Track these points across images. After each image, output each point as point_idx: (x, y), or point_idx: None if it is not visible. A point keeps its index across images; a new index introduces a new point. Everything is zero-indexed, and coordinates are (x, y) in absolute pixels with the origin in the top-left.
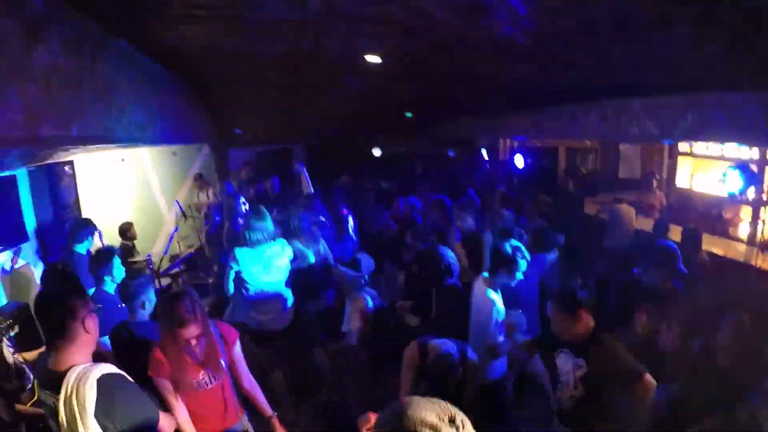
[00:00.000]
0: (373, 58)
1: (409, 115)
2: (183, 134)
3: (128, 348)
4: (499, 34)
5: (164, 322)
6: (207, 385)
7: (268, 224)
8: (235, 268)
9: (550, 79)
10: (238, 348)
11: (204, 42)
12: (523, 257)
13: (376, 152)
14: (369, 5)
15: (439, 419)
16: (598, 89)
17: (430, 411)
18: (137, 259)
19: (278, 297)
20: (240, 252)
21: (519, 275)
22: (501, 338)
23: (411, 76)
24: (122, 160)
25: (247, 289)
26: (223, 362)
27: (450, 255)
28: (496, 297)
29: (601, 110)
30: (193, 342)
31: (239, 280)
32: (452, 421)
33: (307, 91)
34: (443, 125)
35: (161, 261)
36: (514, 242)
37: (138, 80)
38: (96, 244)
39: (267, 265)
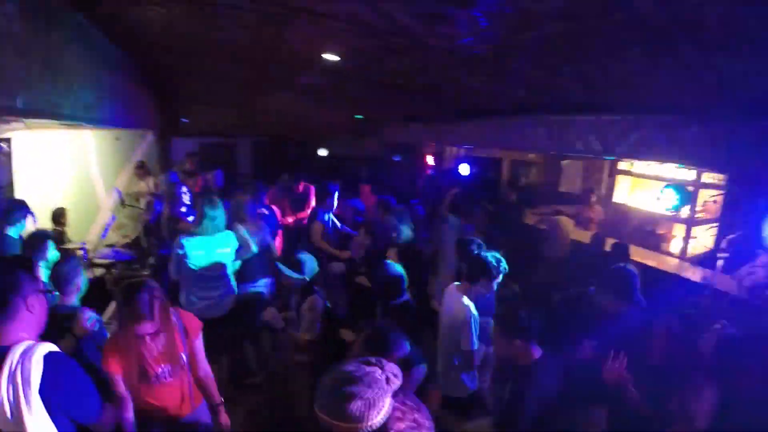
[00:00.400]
0: (331, 57)
1: (359, 117)
2: (129, 118)
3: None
4: (457, 43)
5: (120, 315)
6: (165, 379)
7: (220, 214)
8: (180, 252)
9: (502, 92)
10: (200, 340)
11: (162, 24)
12: (505, 269)
13: (322, 152)
14: (336, 2)
15: (357, 364)
16: (547, 104)
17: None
18: (70, 246)
19: (218, 284)
20: (186, 239)
21: (495, 286)
22: (476, 345)
23: (365, 78)
24: (63, 141)
25: (188, 276)
26: (183, 356)
27: (396, 270)
28: (471, 304)
29: (547, 124)
30: (148, 338)
31: (182, 267)
32: (367, 361)
33: (260, 85)
34: (392, 129)
35: (95, 249)
36: (497, 254)
37: (90, 57)
38: (29, 227)
39: (210, 253)
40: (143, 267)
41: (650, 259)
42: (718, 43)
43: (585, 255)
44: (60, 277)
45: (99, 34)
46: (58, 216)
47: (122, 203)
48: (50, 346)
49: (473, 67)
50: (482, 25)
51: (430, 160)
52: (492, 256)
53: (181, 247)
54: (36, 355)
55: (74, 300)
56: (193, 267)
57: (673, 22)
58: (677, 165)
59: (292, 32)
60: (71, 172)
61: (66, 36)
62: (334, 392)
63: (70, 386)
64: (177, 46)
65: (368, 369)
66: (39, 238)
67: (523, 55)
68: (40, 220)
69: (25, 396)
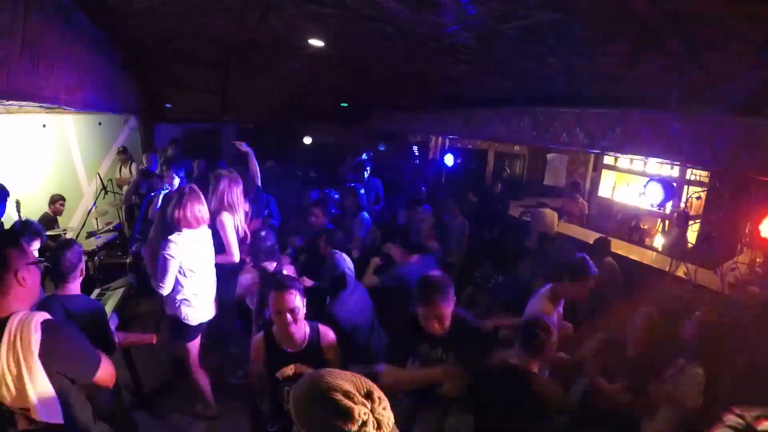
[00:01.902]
0: (316, 42)
1: (344, 105)
2: (111, 103)
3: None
4: (444, 31)
5: None
6: None
7: (205, 205)
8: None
9: (488, 82)
10: None
11: (146, 6)
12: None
13: (307, 140)
14: None
15: (356, 389)
16: (533, 96)
17: (347, 380)
18: (53, 232)
19: (205, 284)
20: (178, 237)
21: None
22: None
23: (350, 65)
24: (43, 125)
25: (184, 279)
26: None
27: (345, 263)
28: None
29: (533, 116)
30: None
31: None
32: (368, 395)
33: (245, 70)
34: (377, 118)
35: (77, 236)
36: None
37: (71, 39)
38: (9, 212)
39: (198, 253)
40: (125, 254)
41: (634, 254)
42: (704, 39)
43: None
44: (66, 263)
45: (81, 16)
46: (55, 201)
47: (104, 190)
48: (45, 315)
49: (459, 56)
50: (469, 13)
51: (415, 149)
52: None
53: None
54: (33, 323)
55: (78, 287)
56: (184, 267)
57: (660, 17)
58: (661, 160)
59: (277, 16)
60: (53, 157)
61: (47, 17)
62: None
63: (67, 350)
64: (160, 28)
65: None
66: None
67: (510, 44)
68: (22, 205)
69: (26, 362)
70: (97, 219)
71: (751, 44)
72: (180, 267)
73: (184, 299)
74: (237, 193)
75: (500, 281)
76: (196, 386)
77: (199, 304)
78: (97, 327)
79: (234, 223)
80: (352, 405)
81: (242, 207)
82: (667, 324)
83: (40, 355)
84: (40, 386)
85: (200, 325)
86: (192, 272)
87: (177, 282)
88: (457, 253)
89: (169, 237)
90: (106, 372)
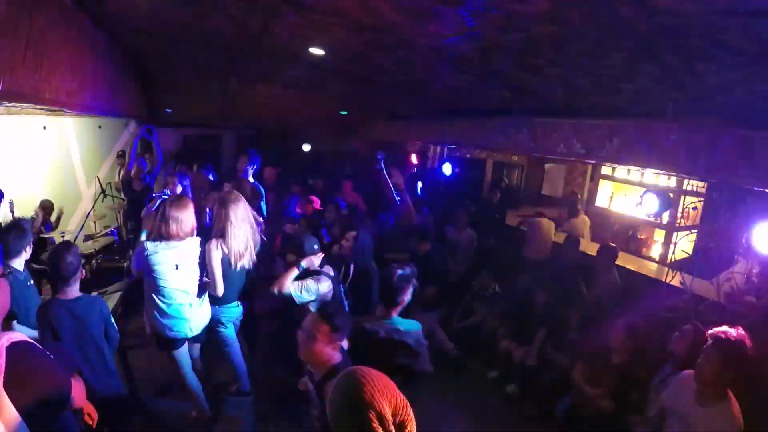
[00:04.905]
0: (317, 51)
1: (344, 113)
2: (113, 106)
3: None
4: (443, 42)
5: None
6: None
7: (190, 217)
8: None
9: (486, 92)
10: None
11: (149, 11)
12: None
13: (306, 147)
14: None
15: (393, 413)
16: (531, 106)
17: (389, 400)
18: (48, 235)
19: (182, 302)
20: (153, 246)
21: None
22: None
23: (351, 74)
24: (44, 127)
25: (158, 291)
26: None
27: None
28: None
29: (531, 127)
30: None
31: (151, 279)
32: (401, 427)
33: (245, 77)
34: (376, 126)
35: (75, 240)
36: None
37: (74, 42)
38: (5, 212)
39: (181, 263)
40: (123, 258)
41: (630, 263)
42: (700, 51)
43: None
44: (69, 267)
45: (85, 19)
46: (46, 207)
47: (103, 193)
48: (13, 336)
49: (458, 67)
50: (469, 25)
51: (414, 158)
52: None
53: (144, 251)
54: None
55: (78, 288)
56: (157, 277)
57: (656, 29)
58: (658, 171)
59: (279, 24)
60: (52, 159)
61: (50, 19)
62: None
63: (34, 377)
64: (163, 34)
65: None
66: (21, 231)
67: (508, 55)
68: (18, 206)
69: None
70: (95, 222)
71: (745, 55)
72: (156, 279)
73: (159, 313)
74: (239, 212)
75: (498, 291)
76: (189, 392)
77: (174, 320)
78: (105, 324)
79: (224, 253)
80: (379, 430)
81: (246, 224)
82: (649, 333)
83: (5, 385)
84: (6, 415)
85: (182, 339)
86: (166, 286)
87: (153, 295)
88: (464, 263)
89: (145, 243)
90: (77, 394)
